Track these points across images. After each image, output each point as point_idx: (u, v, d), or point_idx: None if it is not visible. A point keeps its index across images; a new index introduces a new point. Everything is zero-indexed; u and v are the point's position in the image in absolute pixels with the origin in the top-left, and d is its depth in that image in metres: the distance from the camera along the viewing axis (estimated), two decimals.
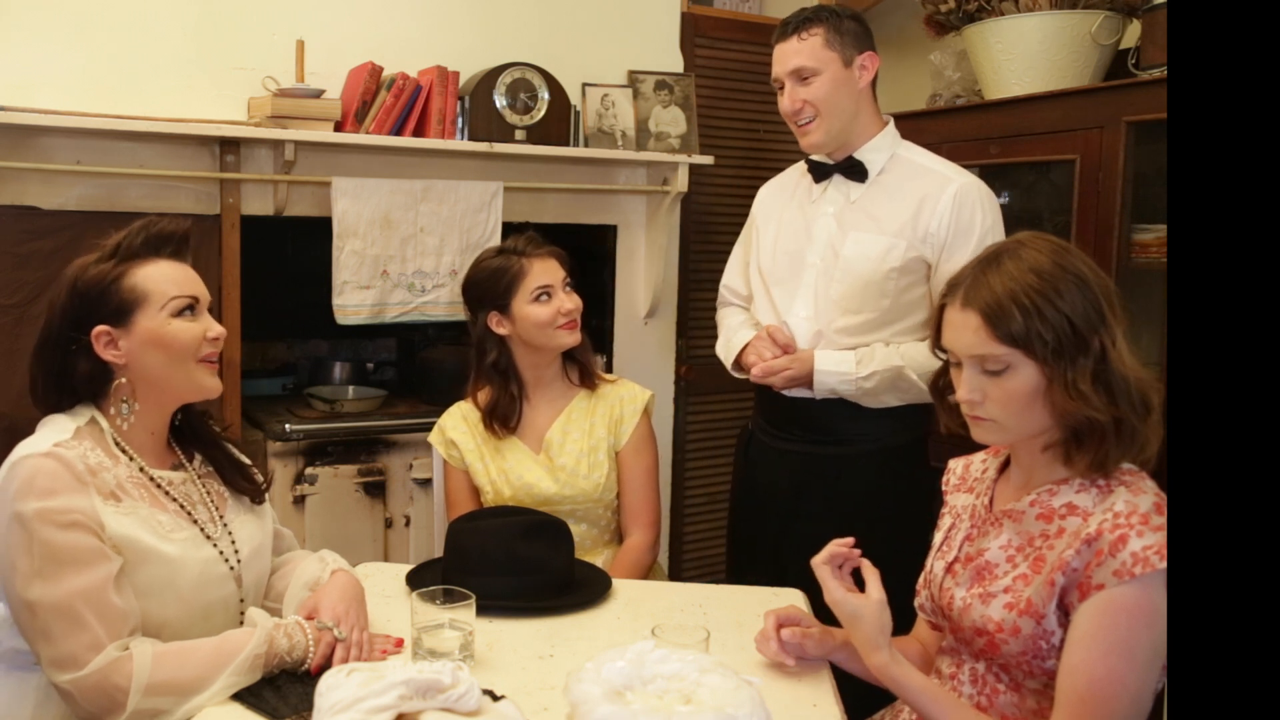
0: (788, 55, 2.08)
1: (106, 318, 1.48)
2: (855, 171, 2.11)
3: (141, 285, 1.50)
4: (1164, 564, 1.23)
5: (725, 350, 2.28)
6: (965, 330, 1.35)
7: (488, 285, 2.15)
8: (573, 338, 2.14)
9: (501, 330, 2.15)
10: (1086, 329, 1.31)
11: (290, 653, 1.43)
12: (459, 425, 2.20)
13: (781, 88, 2.10)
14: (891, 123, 2.16)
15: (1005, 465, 1.51)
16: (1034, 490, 1.41)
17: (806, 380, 2.09)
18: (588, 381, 2.20)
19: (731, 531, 2.45)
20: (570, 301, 2.13)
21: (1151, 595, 1.25)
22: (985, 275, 1.35)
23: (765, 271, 2.22)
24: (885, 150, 2.11)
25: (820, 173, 2.16)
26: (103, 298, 1.49)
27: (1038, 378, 1.32)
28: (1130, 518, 1.27)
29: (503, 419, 2.16)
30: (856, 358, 2.05)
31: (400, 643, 1.54)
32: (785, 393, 2.15)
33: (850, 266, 2.08)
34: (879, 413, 2.10)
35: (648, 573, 2.17)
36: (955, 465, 1.63)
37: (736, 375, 2.22)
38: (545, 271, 2.12)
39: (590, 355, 2.23)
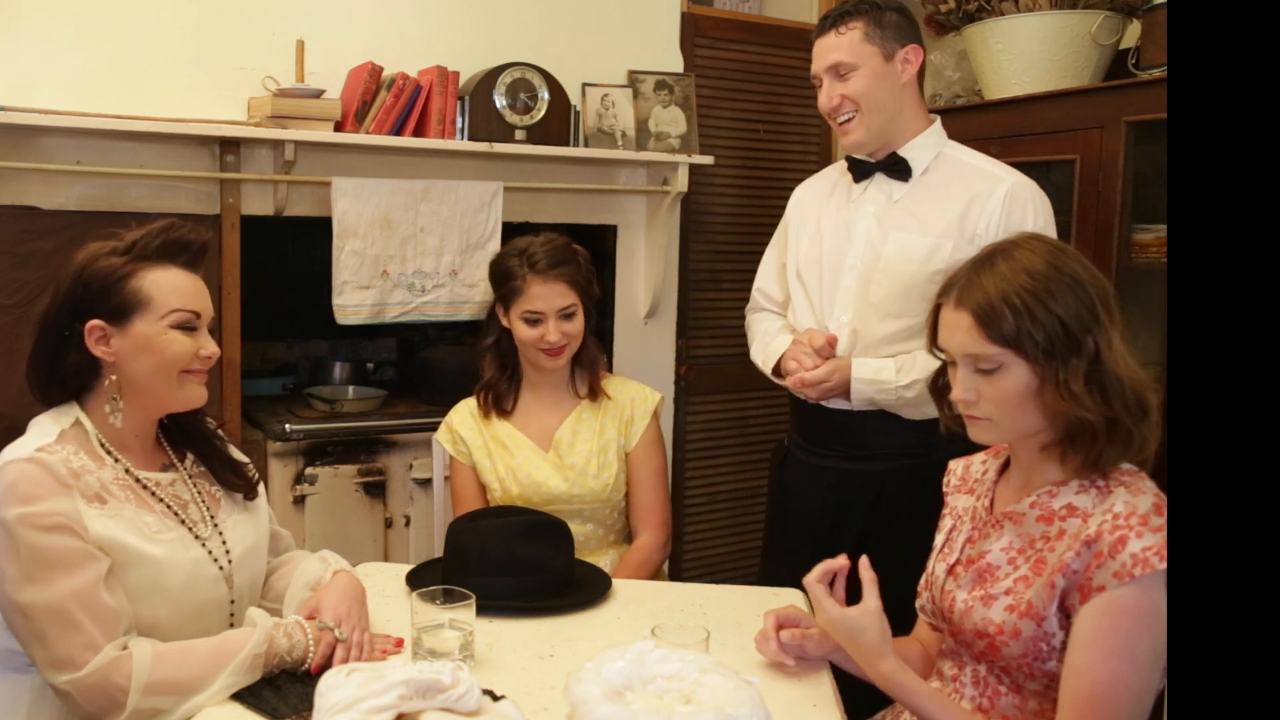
0: (826, 50, 2.00)
1: (104, 313, 1.48)
2: (898, 170, 2.03)
3: (147, 290, 1.49)
4: (1164, 565, 1.24)
5: (763, 357, 2.18)
6: (958, 330, 1.37)
7: (496, 281, 2.18)
8: (553, 364, 2.13)
9: (504, 323, 2.17)
10: (1079, 330, 1.31)
11: (290, 652, 1.42)
12: (466, 421, 2.20)
13: (820, 84, 2.03)
14: (938, 121, 2.08)
15: (1005, 466, 1.51)
16: (1034, 492, 1.41)
17: (845, 389, 1.98)
18: (593, 396, 2.20)
19: (767, 549, 2.36)
20: (556, 333, 2.09)
21: (1152, 596, 1.25)
22: (978, 276, 1.36)
23: (803, 275, 2.13)
24: (931, 149, 2.03)
25: (861, 171, 2.08)
26: (106, 293, 1.48)
27: (1030, 377, 1.33)
28: (1129, 519, 1.27)
29: (497, 399, 2.18)
30: (896, 365, 1.96)
31: (400, 643, 1.54)
32: (822, 404, 2.05)
33: (891, 268, 1.99)
34: (921, 425, 1.97)
35: (656, 573, 2.17)
36: (955, 466, 1.63)
37: (776, 382, 2.12)
38: (542, 297, 2.08)
39: (599, 371, 2.22)
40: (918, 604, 1.58)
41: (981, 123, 2.69)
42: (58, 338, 1.50)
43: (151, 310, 1.49)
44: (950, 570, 1.48)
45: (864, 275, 2.02)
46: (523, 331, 2.11)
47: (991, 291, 1.33)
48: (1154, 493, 1.32)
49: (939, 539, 1.56)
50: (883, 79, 1.98)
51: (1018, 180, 1.98)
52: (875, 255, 2.02)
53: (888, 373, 1.96)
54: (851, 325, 2.03)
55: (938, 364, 1.96)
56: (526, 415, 2.20)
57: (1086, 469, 1.35)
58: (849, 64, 1.98)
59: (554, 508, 2.06)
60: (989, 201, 1.95)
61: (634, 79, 3.08)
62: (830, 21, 2.01)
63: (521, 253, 2.13)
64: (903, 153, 2.03)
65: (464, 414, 2.22)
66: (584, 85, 3.00)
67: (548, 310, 2.08)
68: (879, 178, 2.06)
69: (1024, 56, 2.60)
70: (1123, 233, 2.36)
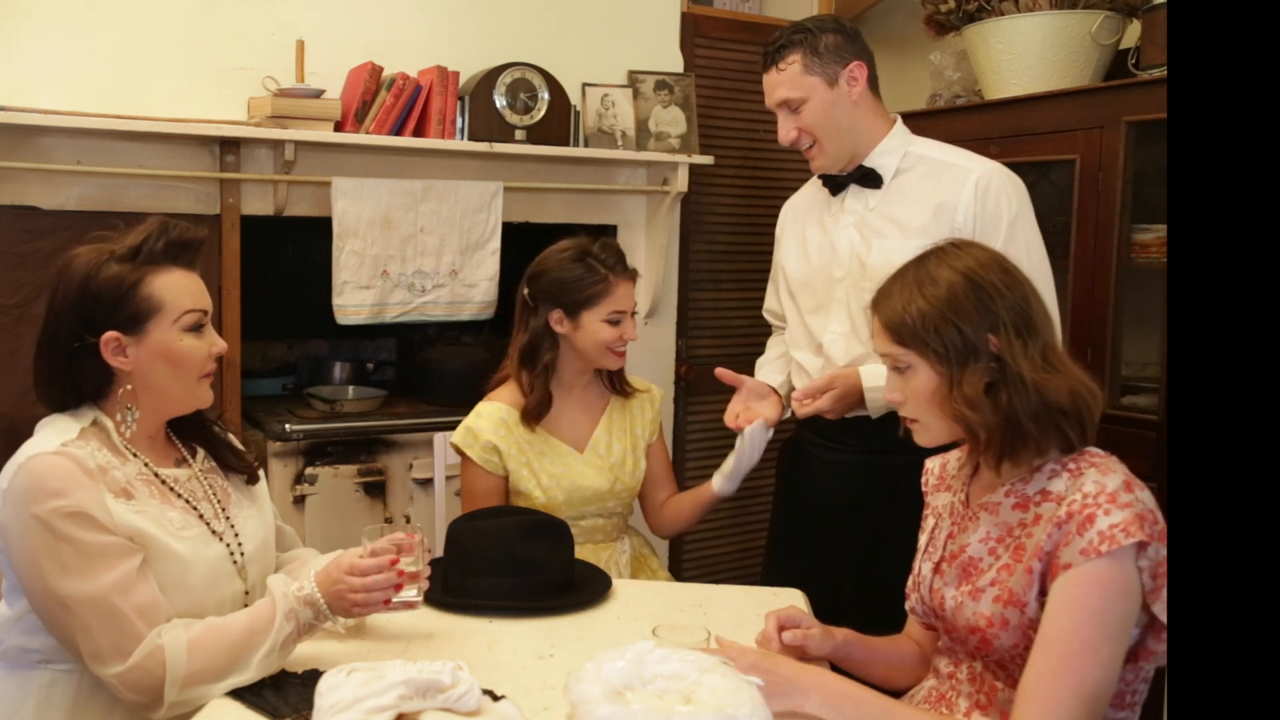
0: (772, 87, 2.03)
1: (119, 324, 1.46)
2: (869, 179, 2.04)
3: (158, 294, 1.48)
4: (1130, 540, 1.25)
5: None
6: (875, 334, 1.47)
7: (568, 286, 2.10)
8: (618, 363, 2.15)
9: (560, 329, 2.12)
10: (978, 337, 1.37)
11: (316, 619, 1.45)
12: (499, 429, 2.12)
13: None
14: (899, 121, 2.09)
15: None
16: (1007, 481, 1.42)
17: (857, 401, 1.96)
18: (620, 390, 2.23)
19: (772, 546, 2.34)
20: (633, 332, 2.13)
21: (1124, 568, 1.27)
22: (892, 284, 1.45)
23: (794, 292, 2.15)
24: (896, 151, 2.04)
25: (835, 185, 2.09)
26: (119, 302, 1.46)
27: (934, 377, 1.40)
28: (1098, 497, 1.29)
29: (538, 414, 2.13)
30: None
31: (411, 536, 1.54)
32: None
33: (878, 275, 1.92)
34: None
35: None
36: (932, 465, 1.64)
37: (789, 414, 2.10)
38: (626, 297, 2.11)
39: (623, 369, 2.24)
40: (907, 605, 1.57)
41: (981, 123, 2.69)
42: (69, 350, 1.48)
43: (165, 315, 1.48)
44: (936, 568, 1.49)
45: (854, 286, 2.03)
46: (603, 333, 2.09)
47: (896, 298, 1.42)
48: (1124, 472, 1.35)
49: (922, 539, 1.57)
50: (833, 105, 2.00)
51: (985, 169, 1.99)
52: (861, 265, 2.03)
53: None
54: (849, 336, 2.04)
55: None
56: (557, 419, 2.17)
57: (1003, 463, 1.39)
58: (797, 98, 2.00)
59: (595, 505, 2.13)
60: (961, 195, 1.96)
61: (634, 79, 3.08)
62: (769, 58, 2.03)
63: (588, 255, 2.11)
64: (869, 163, 2.05)
65: (494, 422, 2.13)
66: (584, 85, 3.00)
67: (628, 308, 2.12)
68: (854, 188, 2.07)
69: (1024, 56, 2.60)
70: (1123, 233, 2.36)
